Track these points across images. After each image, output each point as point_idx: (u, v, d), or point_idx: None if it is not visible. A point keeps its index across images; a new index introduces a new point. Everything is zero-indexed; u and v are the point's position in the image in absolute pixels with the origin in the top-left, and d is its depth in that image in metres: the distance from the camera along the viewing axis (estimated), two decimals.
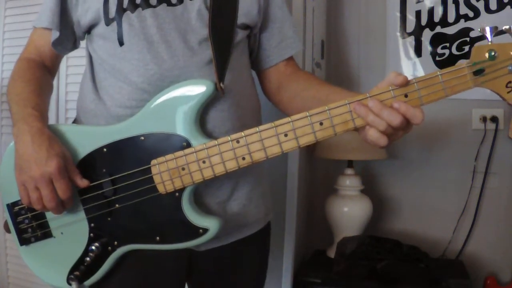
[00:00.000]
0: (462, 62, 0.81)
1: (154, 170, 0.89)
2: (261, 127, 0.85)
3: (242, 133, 0.86)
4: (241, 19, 0.99)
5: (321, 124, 0.83)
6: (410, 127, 0.81)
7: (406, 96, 0.80)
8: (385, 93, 0.81)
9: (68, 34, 1.03)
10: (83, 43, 1.09)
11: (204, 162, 0.87)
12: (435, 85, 0.80)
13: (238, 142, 0.86)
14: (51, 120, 2.09)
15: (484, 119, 1.92)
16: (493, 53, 0.79)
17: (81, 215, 0.94)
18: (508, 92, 0.80)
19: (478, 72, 0.80)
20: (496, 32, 0.80)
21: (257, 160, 0.86)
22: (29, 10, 1.98)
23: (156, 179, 0.89)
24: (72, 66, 1.94)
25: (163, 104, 0.91)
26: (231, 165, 0.87)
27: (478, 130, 1.94)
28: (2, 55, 2.12)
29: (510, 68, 0.79)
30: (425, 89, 0.80)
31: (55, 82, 1.97)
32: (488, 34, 0.80)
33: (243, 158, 0.86)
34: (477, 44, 0.81)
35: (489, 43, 0.80)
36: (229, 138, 0.86)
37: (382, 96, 0.81)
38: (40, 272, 0.99)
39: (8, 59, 2.09)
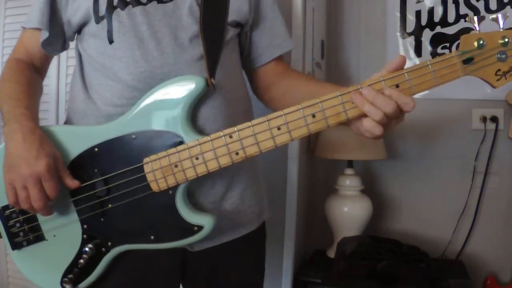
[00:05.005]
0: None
1: (146, 168, 0.88)
2: (254, 121, 0.85)
3: (235, 128, 0.85)
4: (232, 16, 0.99)
5: (313, 116, 0.83)
6: (402, 116, 0.82)
7: (397, 86, 0.81)
8: (377, 83, 0.81)
9: (57, 35, 1.03)
10: (73, 45, 1.08)
11: (197, 158, 0.86)
12: (425, 74, 0.81)
13: (231, 137, 0.85)
14: (51, 120, 2.09)
15: (484, 119, 1.92)
16: (481, 42, 0.80)
17: (74, 216, 0.93)
18: (498, 80, 0.82)
19: (467, 61, 0.81)
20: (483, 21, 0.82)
21: (251, 154, 0.86)
22: (29, 10, 1.98)
23: (149, 177, 0.88)
24: (72, 66, 1.93)
25: (153, 101, 0.90)
26: (225, 161, 0.86)
27: (478, 130, 1.94)
28: (2, 55, 2.13)
29: (498, 56, 0.81)
30: (415, 79, 0.81)
31: (55, 82, 2.00)
32: (476, 24, 0.81)
33: (237, 153, 0.86)
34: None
35: (477, 32, 0.81)
36: (222, 134, 0.86)
37: (374, 87, 0.81)
38: (33, 276, 0.97)
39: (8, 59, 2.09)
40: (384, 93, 0.79)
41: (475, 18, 0.81)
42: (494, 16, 0.80)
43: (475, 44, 0.81)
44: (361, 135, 0.84)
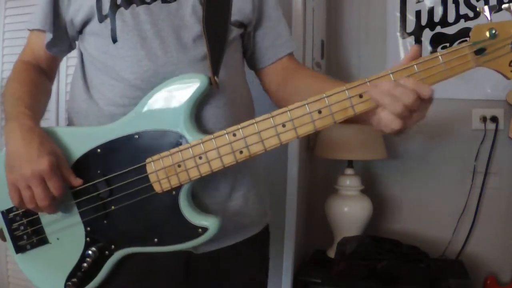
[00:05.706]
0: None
1: (149, 168, 0.86)
2: (258, 119, 0.82)
3: (239, 126, 0.83)
4: (235, 16, 0.98)
5: (319, 112, 0.80)
6: (423, 110, 0.78)
7: None
8: (384, 77, 0.78)
9: (61, 36, 1.03)
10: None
11: (200, 157, 0.84)
12: (435, 66, 0.78)
13: (234, 135, 0.83)
14: (51, 120, 2.09)
15: (484, 119, 1.92)
16: (493, 32, 0.78)
17: (77, 218, 0.91)
18: None
19: (479, 52, 0.78)
20: (496, 10, 0.79)
21: (255, 153, 0.83)
22: (29, 10, 1.98)
23: (152, 177, 0.86)
24: (72, 66, 1.92)
25: (156, 100, 0.88)
26: (229, 160, 0.84)
27: (478, 130, 1.94)
28: (2, 55, 2.12)
29: (511, 46, 0.78)
30: (425, 71, 0.78)
31: (55, 83, 1.99)
32: (487, 13, 0.79)
33: (241, 152, 0.83)
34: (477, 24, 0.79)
35: (489, 22, 0.78)
36: (225, 132, 0.83)
37: (382, 80, 0.78)
38: (36, 280, 0.96)
39: (8, 59, 2.09)
40: (400, 84, 0.76)
41: (486, 7, 0.78)
42: (506, 5, 0.77)
43: (487, 34, 0.78)
44: (379, 132, 0.80)
